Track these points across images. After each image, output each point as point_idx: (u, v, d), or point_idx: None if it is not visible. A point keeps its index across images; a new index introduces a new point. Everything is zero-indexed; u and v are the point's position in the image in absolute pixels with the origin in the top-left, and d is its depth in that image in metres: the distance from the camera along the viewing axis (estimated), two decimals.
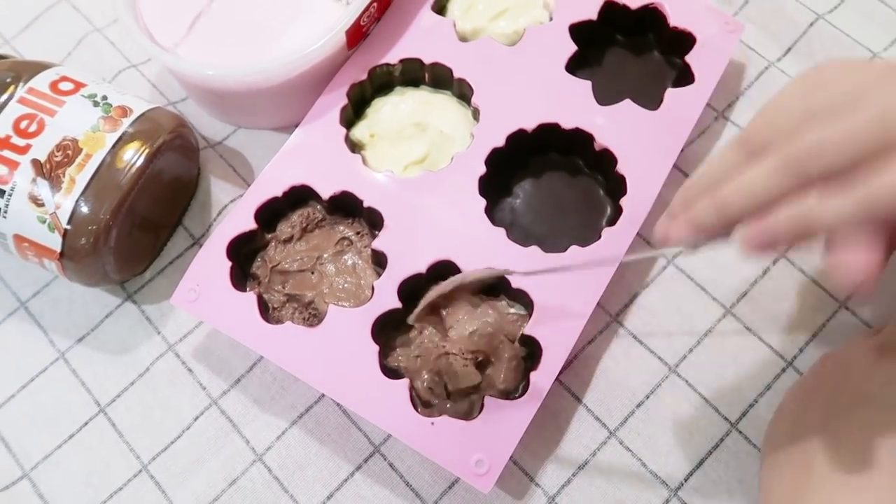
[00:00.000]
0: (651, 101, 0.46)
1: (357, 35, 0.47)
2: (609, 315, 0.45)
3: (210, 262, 0.43)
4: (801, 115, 0.29)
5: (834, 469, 0.34)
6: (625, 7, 0.49)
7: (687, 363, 0.43)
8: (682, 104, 0.46)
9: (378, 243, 0.43)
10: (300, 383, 0.43)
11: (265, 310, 0.43)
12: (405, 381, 0.40)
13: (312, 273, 0.44)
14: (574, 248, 0.43)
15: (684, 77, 0.47)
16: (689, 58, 0.47)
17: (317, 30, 0.45)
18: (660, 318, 0.45)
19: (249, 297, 0.42)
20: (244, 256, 0.45)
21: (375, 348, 0.41)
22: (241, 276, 0.45)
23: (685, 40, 0.48)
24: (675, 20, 0.48)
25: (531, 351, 0.41)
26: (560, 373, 0.40)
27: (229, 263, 0.43)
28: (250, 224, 0.44)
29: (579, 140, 0.46)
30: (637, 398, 0.43)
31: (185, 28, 0.47)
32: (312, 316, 0.43)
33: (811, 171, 0.28)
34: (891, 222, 0.28)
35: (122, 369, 0.45)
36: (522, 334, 0.41)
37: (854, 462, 0.34)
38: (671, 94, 0.46)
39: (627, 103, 0.46)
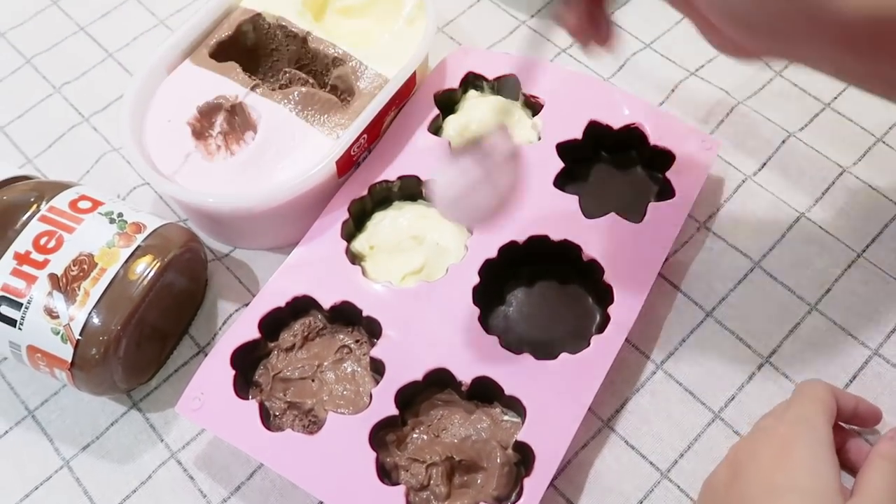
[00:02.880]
0: (635, 213, 0.49)
1: (347, 164, 0.51)
2: (601, 420, 0.46)
3: (214, 371, 0.45)
4: None
5: None
6: (608, 127, 0.52)
7: (678, 468, 0.44)
8: (664, 217, 0.49)
9: (376, 351, 0.45)
10: (299, 490, 0.43)
11: (267, 417, 0.44)
12: (402, 488, 0.41)
13: (313, 381, 0.46)
14: (564, 356, 0.44)
15: (666, 191, 0.50)
16: (669, 174, 0.50)
17: (310, 160, 0.49)
18: (650, 423, 0.46)
19: (251, 406, 0.44)
20: (248, 364, 0.46)
21: (373, 455, 0.42)
22: (244, 383, 0.46)
23: (665, 157, 0.51)
24: (655, 139, 0.51)
25: (525, 457, 0.42)
26: (554, 478, 0.41)
27: (233, 372, 0.45)
28: (254, 333, 0.46)
29: (568, 251, 0.48)
30: (630, 503, 0.44)
31: (182, 157, 0.51)
32: (312, 423, 0.45)
33: None
34: None
35: (125, 477, 0.46)
36: (516, 441, 0.42)
37: None
38: (654, 207, 0.49)
39: (612, 216, 0.49)
